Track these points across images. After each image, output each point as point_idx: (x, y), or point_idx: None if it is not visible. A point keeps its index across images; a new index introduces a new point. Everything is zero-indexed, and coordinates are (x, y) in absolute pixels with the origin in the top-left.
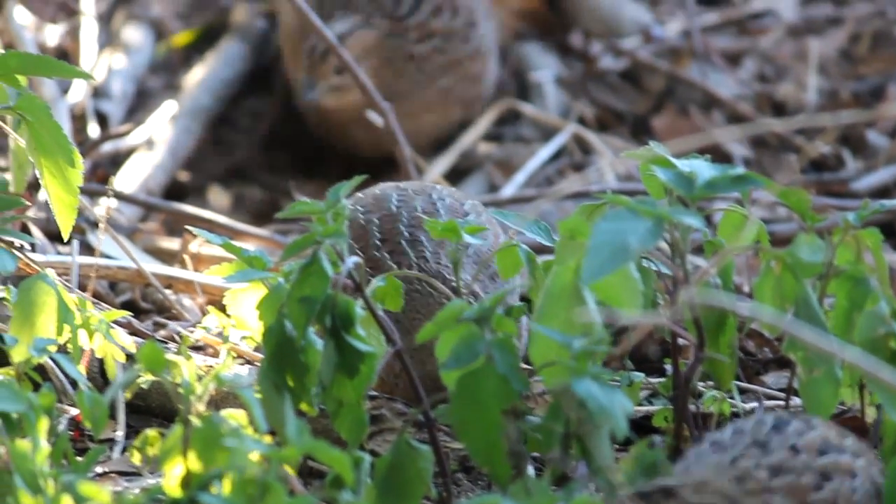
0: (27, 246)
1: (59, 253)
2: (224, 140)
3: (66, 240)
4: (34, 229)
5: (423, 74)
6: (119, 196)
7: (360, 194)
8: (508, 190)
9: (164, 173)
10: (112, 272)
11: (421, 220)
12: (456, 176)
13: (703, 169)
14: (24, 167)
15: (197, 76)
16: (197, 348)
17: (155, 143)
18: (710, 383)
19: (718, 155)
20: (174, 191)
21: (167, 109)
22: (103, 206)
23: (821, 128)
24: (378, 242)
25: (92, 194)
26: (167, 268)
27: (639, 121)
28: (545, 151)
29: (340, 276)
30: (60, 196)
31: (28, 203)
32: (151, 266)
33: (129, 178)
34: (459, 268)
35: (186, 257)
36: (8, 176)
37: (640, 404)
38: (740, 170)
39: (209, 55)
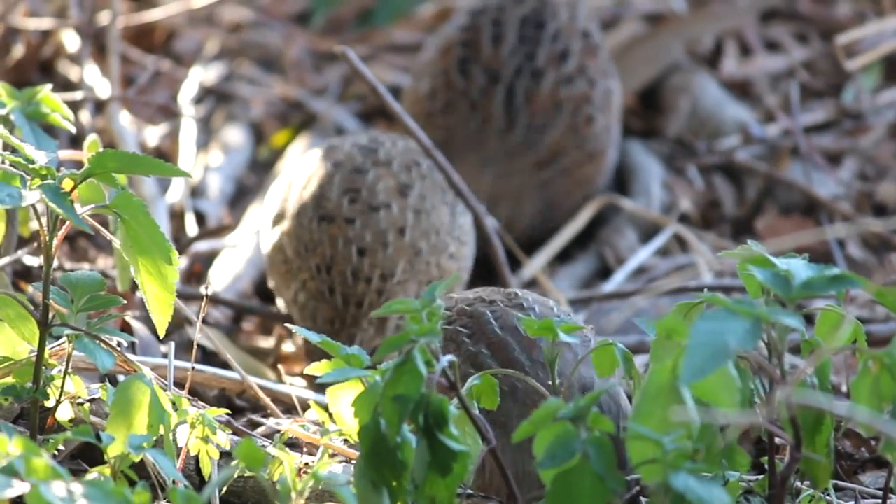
0: (125, 344)
1: (163, 354)
2: None
3: (161, 337)
4: (140, 326)
5: (548, 190)
6: (215, 300)
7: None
8: (608, 286)
9: (255, 269)
10: (208, 378)
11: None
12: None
13: (799, 269)
14: (127, 266)
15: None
16: (292, 445)
17: (244, 240)
18: (808, 483)
19: (819, 255)
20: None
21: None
22: (199, 307)
23: None
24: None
25: (187, 298)
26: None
27: (740, 220)
28: (647, 250)
29: (434, 374)
30: (157, 294)
31: (125, 301)
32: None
33: (220, 275)
34: (556, 366)
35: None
36: (114, 274)
37: (737, 503)
38: (837, 270)
39: (289, 151)
